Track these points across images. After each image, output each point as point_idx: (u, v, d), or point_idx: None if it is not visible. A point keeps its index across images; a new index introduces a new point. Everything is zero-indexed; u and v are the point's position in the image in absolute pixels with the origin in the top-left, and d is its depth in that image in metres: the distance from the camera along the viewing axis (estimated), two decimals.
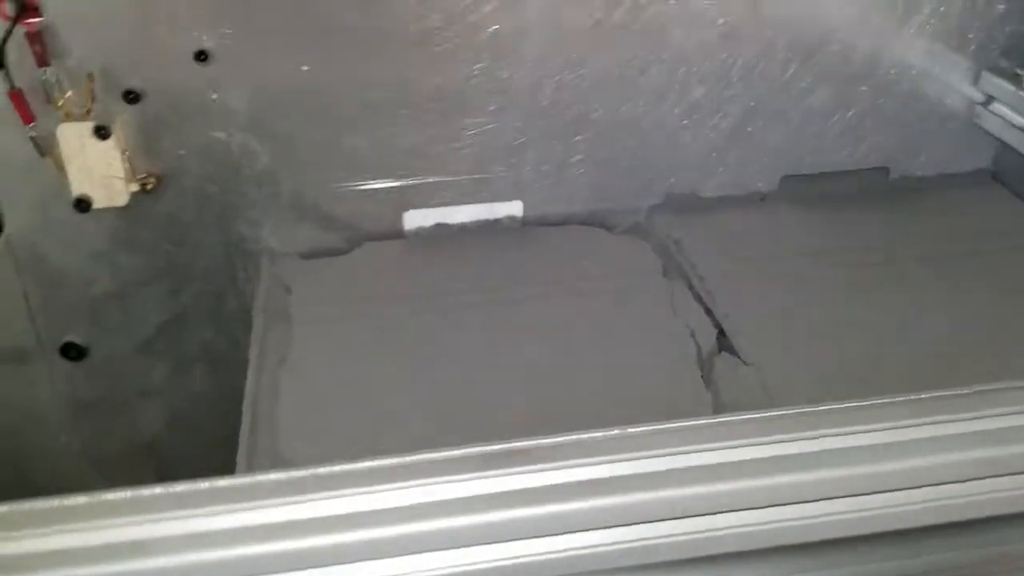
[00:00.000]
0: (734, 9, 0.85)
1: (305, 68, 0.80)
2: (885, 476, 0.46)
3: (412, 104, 0.84)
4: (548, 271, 0.84)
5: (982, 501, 0.48)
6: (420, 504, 0.43)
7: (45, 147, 0.77)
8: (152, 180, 0.81)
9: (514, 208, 0.91)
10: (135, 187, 0.80)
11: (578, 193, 0.91)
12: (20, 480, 0.93)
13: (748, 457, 0.46)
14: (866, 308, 0.78)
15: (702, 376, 0.70)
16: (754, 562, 0.48)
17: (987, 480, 0.48)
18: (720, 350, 0.74)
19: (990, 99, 0.94)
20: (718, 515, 0.45)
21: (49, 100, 0.75)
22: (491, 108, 0.85)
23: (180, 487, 0.43)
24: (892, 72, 0.91)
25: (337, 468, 0.44)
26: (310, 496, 0.43)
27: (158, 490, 0.43)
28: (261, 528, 0.42)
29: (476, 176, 0.88)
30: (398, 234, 0.90)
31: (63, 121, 0.76)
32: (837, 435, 0.48)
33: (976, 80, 0.93)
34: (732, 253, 0.86)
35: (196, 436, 0.95)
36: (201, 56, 0.77)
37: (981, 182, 0.98)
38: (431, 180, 0.88)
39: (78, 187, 0.78)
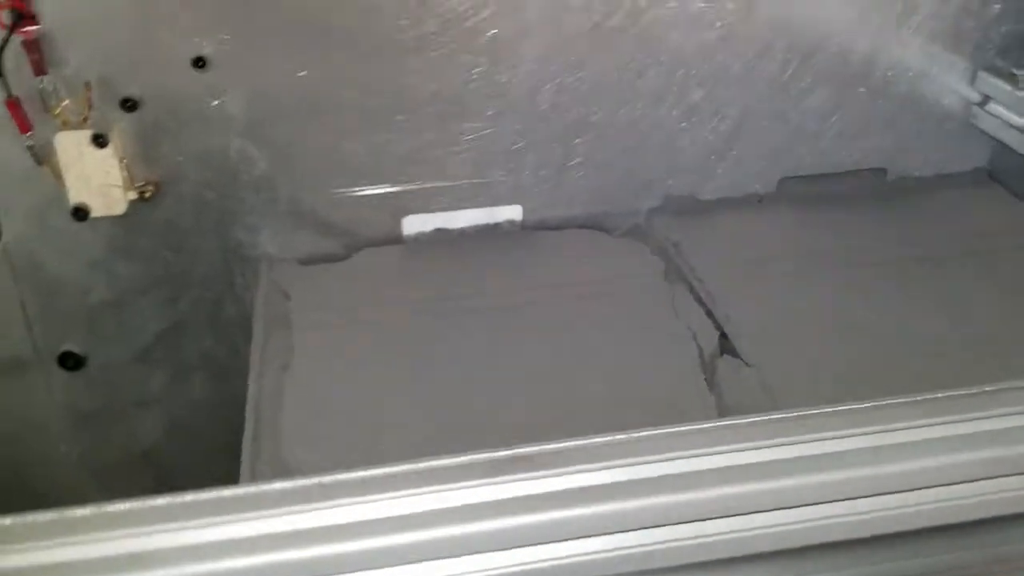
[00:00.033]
0: (731, 12, 0.85)
1: (303, 74, 0.80)
2: (899, 477, 0.46)
3: (410, 109, 0.84)
4: (548, 275, 0.84)
5: (989, 501, 0.48)
6: (429, 512, 0.43)
7: (43, 156, 0.77)
8: (150, 188, 0.81)
9: (513, 212, 0.91)
10: (133, 195, 0.80)
11: (577, 196, 0.91)
12: (19, 489, 0.93)
13: (757, 460, 0.46)
14: (866, 308, 0.78)
15: (705, 379, 0.70)
16: (765, 565, 0.48)
17: (994, 480, 0.48)
18: (722, 352, 0.74)
19: (987, 99, 0.94)
20: (727, 519, 0.45)
21: (46, 109, 0.75)
22: (489, 112, 0.85)
23: (186, 497, 0.42)
24: (889, 73, 0.91)
25: (343, 476, 0.44)
26: (316, 505, 0.43)
27: (162, 501, 0.43)
28: (267, 538, 0.42)
29: (475, 181, 0.88)
30: (397, 239, 0.89)
31: (60, 130, 0.76)
32: (843, 437, 0.48)
33: (973, 80, 0.94)
34: (732, 255, 0.86)
35: (195, 444, 0.94)
36: (199, 62, 0.77)
37: (978, 181, 0.98)
38: (430, 185, 0.88)
39: (76, 196, 0.78)
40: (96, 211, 0.79)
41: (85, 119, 0.76)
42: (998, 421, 0.49)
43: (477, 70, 0.83)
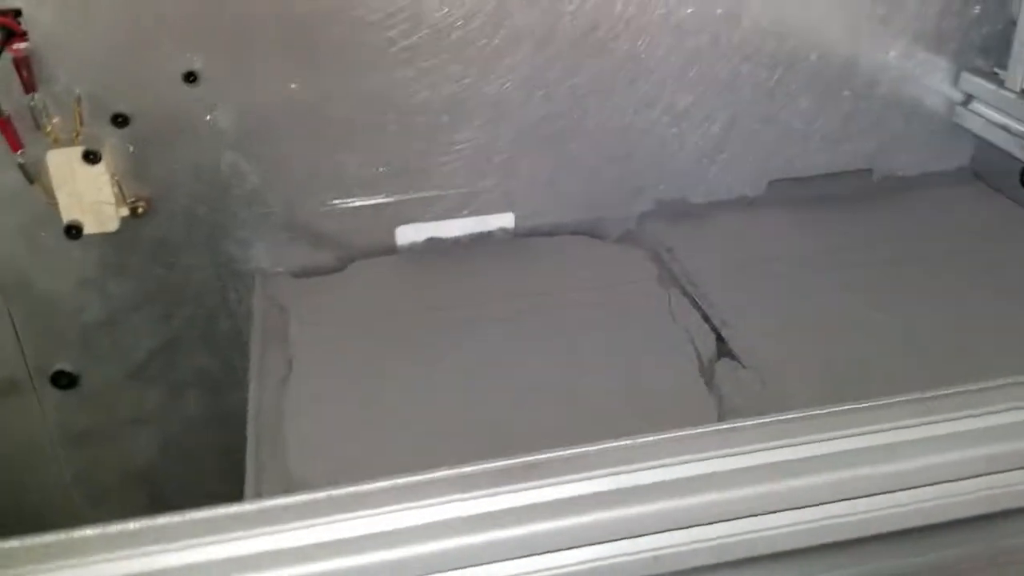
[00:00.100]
0: (719, 18, 0.86)
1: (293, 86, 0.80)
2: (897, 476, 0.47)
3: (401, 120, 0.84)
4: (543, 282, 0.84)
5: (989, 497, 0.49)
6: (441, 521, 0.43)
7: (34, 174, 0.76)
8: (142, 204, 0.80)
9: (506, 220, 0.91)
10: (125, 211, 0.80)
11: (569, 203, 0.91)
12: (13, 510, 0.92)
13: (762, 462, 0.46)
14: (858, 306, 0.79)
15: (705, 382, 0.71)
16: (767, 565, 0.48)
17: (993, 476, 0.49)
18: (720, 355, 0.74)
19: (969, 98, 0.95)
20: (733, 521, 0.45)
21: (37, 126, 0.75)
22: (480, 121, 0.85)
23: (196, 515, 0.42)
24: (874, 75, 0.93)
25: (352, 489, 0.44)
26: (325, 519, 0.43)
27: (163, 520, 0.42)
28: (277, 553, 0.42)
29: (467, 189, 0.88)
30: (391, 250, 0.89)
31: (52, 147, 0.75)
32: (843, 437, 0.48)
33: (956, 80, 0.95)
34: (725, 257, 0.86)
35: (191, 462, 0.94)
36: (190, 77, 0.77)
37: (963, 179, 1.00)
38: (422, 195, 0.88)
39: (68, 213, 0.77)
40: (89, 228, 0.78)
41: (76, 136, 0.76)
42: (995, 417, 0.50)
43: (467, 80, 0.83)
